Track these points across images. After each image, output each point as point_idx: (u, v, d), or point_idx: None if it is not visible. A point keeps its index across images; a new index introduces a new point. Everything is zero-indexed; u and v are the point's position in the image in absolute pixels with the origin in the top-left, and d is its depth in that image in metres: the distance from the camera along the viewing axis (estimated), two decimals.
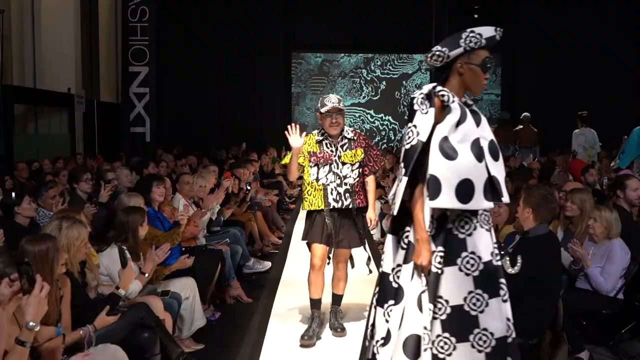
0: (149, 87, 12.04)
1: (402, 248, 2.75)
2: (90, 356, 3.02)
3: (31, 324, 2.45)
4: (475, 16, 15.71)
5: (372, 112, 16.77)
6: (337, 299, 4.58)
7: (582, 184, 6.00)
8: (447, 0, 14.14)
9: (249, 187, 7.75)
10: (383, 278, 2.81)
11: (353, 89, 16.69)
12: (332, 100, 4.28)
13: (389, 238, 2.83)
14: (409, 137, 2.66)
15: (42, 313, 2.52)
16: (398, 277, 2.74)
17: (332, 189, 4.29)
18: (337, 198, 4.28)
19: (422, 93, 2.71)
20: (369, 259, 4.61)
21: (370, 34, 16.03)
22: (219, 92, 15.68)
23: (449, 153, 2.59)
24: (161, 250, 4.05)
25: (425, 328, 2.61)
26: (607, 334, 4.09)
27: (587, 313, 4.02)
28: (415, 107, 2.68)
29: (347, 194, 4.29)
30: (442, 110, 2.67)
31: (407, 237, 2.74)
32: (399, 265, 2.75)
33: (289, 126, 4.23)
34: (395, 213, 2.71)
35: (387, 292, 2.76)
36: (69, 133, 11.75)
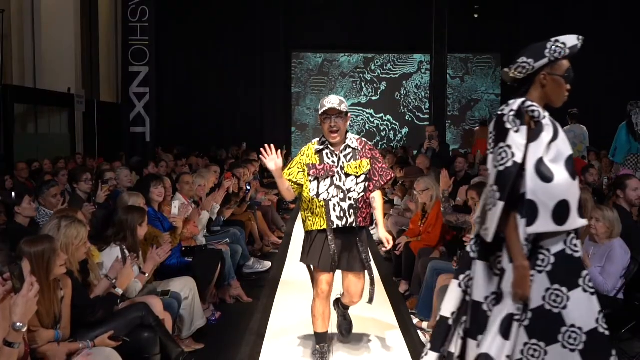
0: (149, 87, 12.03)
1: (495, 274, 2.59)
2: (86, 359, 3.01)
3: (18, 324, 2.41)
4: (475, 16, 15.72)
5: (372, 112, 16.76)
6: (345, 306, 4.33)
7: (582, 183, 6.00)
8: (447, 0, 14.13)
9: (249, 187, 7.75)
10: (475, 307, 2.63)
11: (353, 89, 16.68)
12: (331, 101, 3.76)
13: (479, 264, 2.65)
14: (503, 159, 2.48)
15: (30, 314, 2.48)
16: (493, 305, 2.58)
17: (334, 205, 3.77)
18: (341, 215, 3.78)
19: (512, 110, 2.55)
20: (371, 283, 3.99)
21: (370, 34, 16.03)
22: (219, 92, 15.70)
23: (546, 175, 2.48)
24: (162, 250, 4.06)
25: (508, 357, 2.47)
26: None
27: None
28: (508, 125, 2.51)
29: (351, 210, 3.79)
30: (533, 127, 2.54)
31: (499, 262, 2.59)
32: (493, 293, 2.59)
33: (262, 149, 3.76)
34: (490, 240, 2.53)
35: (480, 322, 2.59)
36: (69, 133, 11.75)
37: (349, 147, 3.86)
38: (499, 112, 2.59)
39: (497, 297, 2.57)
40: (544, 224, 2.48)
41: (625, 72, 14.53)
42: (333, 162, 3.83)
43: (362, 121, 16.75)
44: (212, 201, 5.86)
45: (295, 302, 5.17)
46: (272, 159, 3.71)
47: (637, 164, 6.91)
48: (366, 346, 4.31)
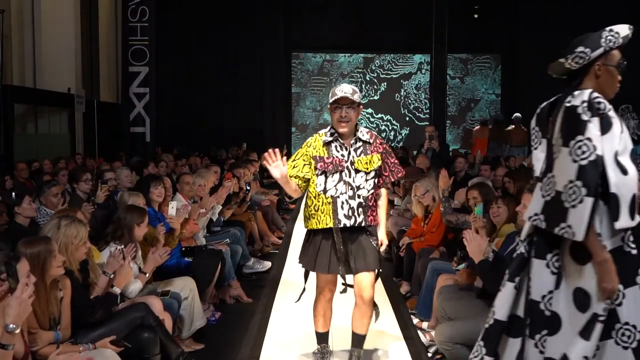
0: (149, 87, 12.03)
1: (553, 273, 2.53)
2: None
3: (11, 326, 2.38)
4: (475, 16, 15.72)
5: (372, 112, 16.76)
6: (358, 340, 3.78)
7: None
8: (447, 0, 14.14)
9: (248, 187, 7.75)
10: (532, 306, 2.57)
11: None
12: (343, 89, 3.47)
13: (536, 263, 2.57)
14: (584, 152, 2.35)
15: (24, 315, 2.46)
16: (550, 304, 2.52)
17: (342, 202, 3.50)
18: (349, 214, 3.50)
19: (584, 101, 2.45)
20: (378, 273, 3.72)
21: (370, 34, 16.04)
22: (219, 92, 15.70)
23: (624, 167, 2.41)
24: (164, 251, 4.06)
25: (585, 358, 2.40)
26: None
27: None
28: (584, 117, 2.41)
29: (359, 209, 3.52)
30: (601, 120, 2.45)
31: (557, 260, 2.52)
32: (550, 292, 2.53)
33: (266, 153, 3.43)
34: (581, 238, 2.39)
35: (538, 321, 2.53)
36: (69, 133, 11.76)
37: (360, 140, 3.58)
38: (568, 104, 2.48)
39: (556, 297, 2.50)
40: (626, 218, 2.40)
41: (623, 75, 14.52)
42: (342, 155, 3.54)
43: (362, 121, 16.75)
44: (213, 201, 5.86)
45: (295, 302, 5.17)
46: (277, 165, 3.41)
47: None
48: (366, 346, 4.31)
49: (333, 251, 3.54)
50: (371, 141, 3.60)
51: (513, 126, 12.50)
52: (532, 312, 2.57)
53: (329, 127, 3.64)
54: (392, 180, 3.75)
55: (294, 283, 5.80)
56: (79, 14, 11.82)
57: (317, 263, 3.58)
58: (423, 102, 16.57)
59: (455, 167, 7.61)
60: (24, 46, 10.95)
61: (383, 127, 16.81)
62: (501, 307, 2.66)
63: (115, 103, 13.87)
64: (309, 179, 3.58)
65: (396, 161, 3.73)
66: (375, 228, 3.64)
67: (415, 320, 4.78)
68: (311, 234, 3.65)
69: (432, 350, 4.22)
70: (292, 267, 6.50)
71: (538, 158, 2.66)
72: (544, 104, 2.69)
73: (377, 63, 16.67)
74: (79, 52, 11.84)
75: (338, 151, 3.55)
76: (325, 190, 3.52)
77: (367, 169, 3.55)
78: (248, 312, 5.12)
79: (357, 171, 3.53)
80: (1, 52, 9.42)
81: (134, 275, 3.87)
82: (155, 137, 12.31)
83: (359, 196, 3.52)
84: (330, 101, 3.51)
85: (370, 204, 3.58)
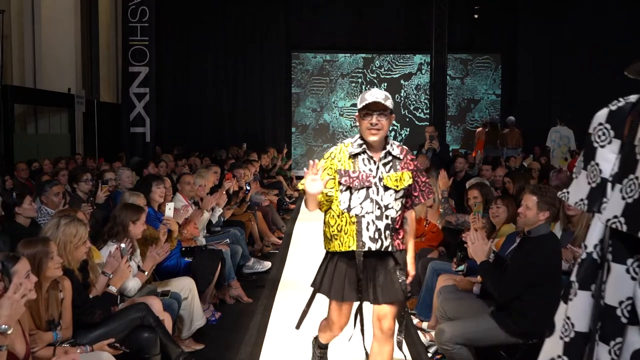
0: (149, 87, 12.03)
1: (633, 279, 2.45)
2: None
3: (3, 327, 2.36)
4: (475, 16, 15.73)
5: None
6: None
7: None
8: (447, 0, 14.14)
9: (248, 187, 7.75)
10: (608, 312, 2.52)
11: (353, 89, 16.68)
12: (374, 94, 3.06)
13: (615, 267, 2.51)
14: None
15: (17, 316, 2.45)
16: (628, 311, 2.48)
17: (368, 223, 3.09)
18: (376, 236, 3.09)
19: None
20: (400, 322, 3.38)
21: (370, 34, 16.04)
22: (218, 92, 15.71)
23: None
24: (162, 249, 4.06)
25: None
26: None
27: None
28: None
29: (387, 231, 3.11)
30: None
31: (638, 266, 2.47)
32: (628, 299, 2.47)
33: (310, 163, 3.01)
34: None
35: (613, 327, 2.49)
36: (69, 133, 11.75)
37: (390, 154, 3.17)
38: None
39: (635, 303, 2.40)
40: None
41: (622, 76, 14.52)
42: (370, 170, 3.12)
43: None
44: (213, 201, 5.86)
45: (295, 302, 5.18)
46: (315, 179, 2.98)
47: None
48: (366, 346, 4.31)
49: (352, 277, 3.14)
50: (401, 157, 3.19)
51: (508, 129, 12.77)
52: (606, 317, 2.46)
53: (355, 137, 3.20)
54: (422, 201, 3.38)
55: (294, 283, 5.81)
56: (79, 14, 11.81)
57: (333, 288, 3.18)
58: (423, 102, 16.57)
59: (455, 167, 7.62)
60: (24, 46, 10.95)
61: None
62: (580, 319, 2.50)
63: (115, 103, 13.87)
64: (331, 196, 3.16)
65: (427, 180, 3.36)
66: (402, 254, 3.25)
67: (415, 320, 4.78)
68: (329, 255, 3.25)
69: (432, 350, 4.22)
70: (292, 267, 6.51)
71: (606, 158, 2.57)
72: (621, 102, 2.58)
73: (377, 63, 16.66)
74: (79, 52, 11.83)
75: (365, 165, 3.13)
76: (349, 209, 3.11)
77: (397, 186, 3.14)
78: (248, 312, 5.13)
79: (385, 188, 3.12)
80: (1, 52, 9.42)
81: (133, 274, 3.87)
82: (155, 137, 12.32)
83: (386, 217, 3.11)
84: (360, 107, 3.09)
85: (397, 226, 3.20)
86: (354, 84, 16.66)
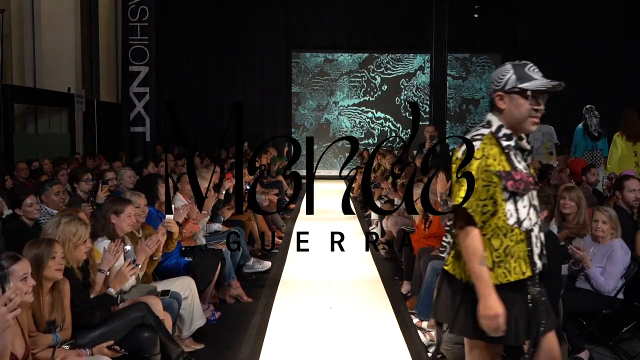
0: (149, 87, 12.02)
1: None
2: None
3: None
4: (475, 16, 15.73)
5: (372, 111, 16.75)
6: None
7: (584, 183, 6.01)
8: (447, 0, 14.15)
9: (248, 187, 7.73)
10: None
11: (353, 89, 16.68)
12: (540, 73, 2.43)
13: None
14: None
15: (2, 331, 2.41)
16: None
17: (536, 237, 2.42)
18: (541, 252, 2.45)
19: None
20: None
21: (370, 34, 16.05)
22: (218, 91, 15.71)
23: None
24: (151, 240, 4.00)
25: None
26: (607, 334, 4.09)
27: (587, 313, 4.02)
28: None
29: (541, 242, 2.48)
30: None
31: None
32: None
33: None
34: None
35: None
36: (69, 133, 11.76)
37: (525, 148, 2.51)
38: None
39: None
40: None
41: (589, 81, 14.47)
42: (525, 168, 2.44)
43: (362, 122, 16.73)
44: (213, 201, 5.85)
45: (295, 302, 5.17)
46: None
47: (592, 158, 7.79)
48: (366, 346, 4.31)
49: (523, 311, 2.40)
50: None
51: None
52: None
53: (496, 126, 2.43)
54: None
55: (294, 283, 5.80)
56: (79, 14, 11.82)
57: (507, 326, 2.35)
58: (423, 102, 16.56)
59: None
60: (24, 46, 10.96)
61: (383, 127, 16.80)
62: None
63: (115, 103, 13.88)
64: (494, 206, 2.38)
65: None
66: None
67: (415, 320, 4.77)
68: (499, 291, 2.36)
69: (432, 350, 4.22)
70: (292, 267, 6.50)
71: None
72: None
73: (377, 63, 16.66)
74: (79, 52, 11.84)
75: (519, 162, 2.43)
76: (519, 222, 2.38)
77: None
78: (248, 312, 5.12)
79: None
80: (1, 52, 9.42)
81: (130, 280, 3.85)
82: (156, 137, 12.31)
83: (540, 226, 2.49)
84: (519, 85, 2.38)
85: None
86: (354, 84, 16.66)
